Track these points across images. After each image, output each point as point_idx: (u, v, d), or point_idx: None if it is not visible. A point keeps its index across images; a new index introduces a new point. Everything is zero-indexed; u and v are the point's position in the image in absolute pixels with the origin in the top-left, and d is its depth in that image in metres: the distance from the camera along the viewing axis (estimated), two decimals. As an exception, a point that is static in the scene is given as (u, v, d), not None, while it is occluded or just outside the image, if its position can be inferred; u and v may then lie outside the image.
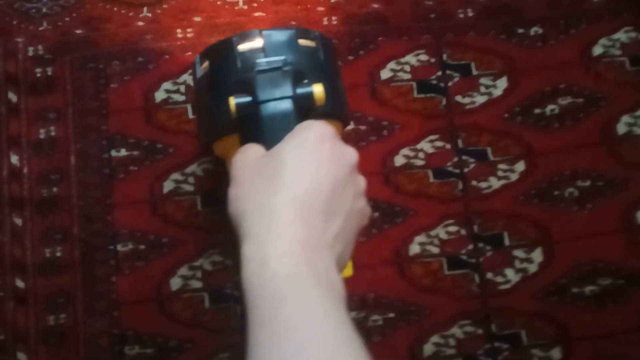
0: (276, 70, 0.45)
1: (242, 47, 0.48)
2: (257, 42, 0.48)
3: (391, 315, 0.59)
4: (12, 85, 0.63)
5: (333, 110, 0.49)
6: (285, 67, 0.46)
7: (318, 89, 0.45)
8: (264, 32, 0.48)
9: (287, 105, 0.43)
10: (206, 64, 0.50)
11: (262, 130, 0.43)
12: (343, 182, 0.39)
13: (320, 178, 0.37)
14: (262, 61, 0.46)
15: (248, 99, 0.44)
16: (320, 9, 0.67)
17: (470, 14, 0.67)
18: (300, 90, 0.44)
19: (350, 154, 0.41)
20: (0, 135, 0.61)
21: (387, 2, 0.67)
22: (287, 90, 0.44)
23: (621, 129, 0.64)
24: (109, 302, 0.58)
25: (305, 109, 0.44)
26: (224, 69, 0.48)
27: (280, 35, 0.49)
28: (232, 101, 0.44)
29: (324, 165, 0.38)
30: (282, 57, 0.47)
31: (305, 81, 0.45)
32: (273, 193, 0.36)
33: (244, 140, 0.47)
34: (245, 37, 0.48)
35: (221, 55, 0.48)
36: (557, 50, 0.67)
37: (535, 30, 0.67)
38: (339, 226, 0.37)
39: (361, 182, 0.42)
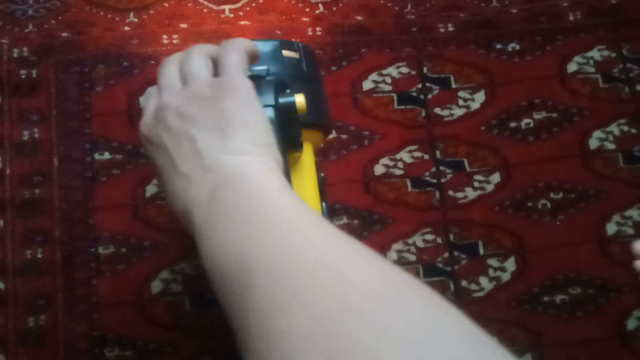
0: (259, 79, 0.46)
1: (226, 56, 0.49)
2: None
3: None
4: (-4, 87, 0.63)
5: (315, 120, 0.51)
6: (268, 76, 0.47)
7: (300, 99, 0.46)
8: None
9: (269, 113, 0.45)
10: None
11: None
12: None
13: None
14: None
15: None
16: (305, 19, 0.68)
17: (450, 28, 0.69)
18: (282, 100, 0.45)
19: None
20: (-18, 136, 0.61)
21: (370, 14, 0.69)
22: (269, 99, 0.45)
23: (593, 143, 0.66)
24: (90, 305, 0.58)
25: (287, 118, 0.45)
26: (209, 77, 0.49)
27: (264, 46, 0.50)
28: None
29: None
30: (264, 67, 0.48)
31: (288, 91, 0.47)
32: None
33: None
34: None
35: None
36: (533, 66, 0.69)
37: (512, 45, 0.69)
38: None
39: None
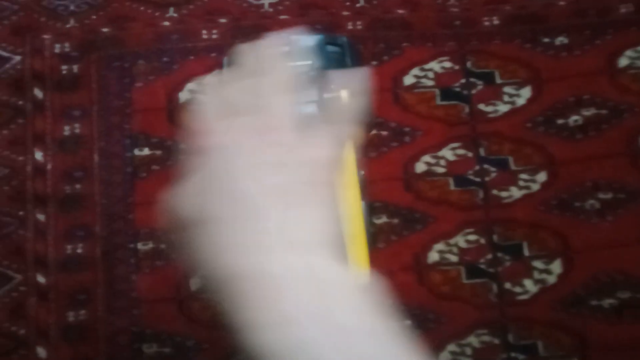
0: (303, 74, 0.46)
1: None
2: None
3: (408, 322, 0.59)
4: (39, 82, 0.64)
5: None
6: (312, 71, 0.46)
7: (344, 95, 0.45)
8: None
9: (312, 109, 0.44)
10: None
11: None
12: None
13: None
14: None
15: None
16: (345, 13, 0.67)
17: (495, 22, 0.67)
18: (327, 95, 0.45)
19: None
20: (25, 131, 0.63)
21: (412, 8, 0.67)
22: (313, 94, 0.44)
23: (644, 141, 0.64)
24: (129, 300, 0.59)
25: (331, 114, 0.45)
26: (251, 72, 0.48)
27: (307, 41, 0.49)
28: (259, 104, 0.45)
29: None
30: (308, 62, 0.48)
31: (332, 86, 0.46)
32: None
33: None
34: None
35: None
36: (582, 61, 0.66)
37: (560, 40, 0.67)
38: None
39: None
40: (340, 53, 0.50)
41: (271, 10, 0.67)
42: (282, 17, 0.67)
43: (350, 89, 0.45)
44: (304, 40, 0.49)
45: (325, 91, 0.45)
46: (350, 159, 0.50)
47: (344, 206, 0.43)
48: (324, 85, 0.45)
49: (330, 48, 0.50)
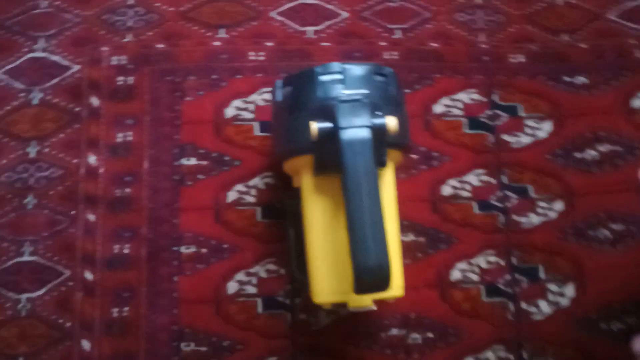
0: (356, 101, 0.50)
1: (324, 77, 0.53)
2: (337, 75, 0.53)
3: (430, 335, 0.63)
4: (95, 91, 0.67)
5: (400, 140, 0.54)
6: (365, 99, 0.50)
7: (392, 122, 0.49)
8: (345, 66, 0.53)
9: (365, 133, 0.48)
10: (288, 88, 0.55)
11: (340, 153, 0.47)
12: None
13: None
14: (344, 92, 0.51)
15: (329, 125, 0.49)
16: (383, 43, 0.71)
17: (521, 59, 0.72)
18: (376, 121, 0.49)
19: None
20: (80, 136, 0.66)
21: (445, 42, 0.72)
22: (365, 120, 0.48)
23: (656, 178, 0.68)
24: (170, 300, 0.62)
25: (378, 138, 0.49)
26: (305, 95, 0.53)
27: (358, 70, 0.53)
28: (314, 125, 0.49)
29: None
30: (362, 90, 0.52)
31: (379, 113, 0.50)
32: None
33: (319, 160, 0.52)
34: (327, 68, 0.53)
35: (304, 82, 0.53)
36: (600, 99, 0.71)
37: (581, 79, 0.71)
38: None
39: None
40: (385, 82, 0.55)
41: (314, 37, 0.71)
42: (323, 44, 0.71)
43: (394, 116, 0.49)
44: (356, 69, 0.53)
45: (373, 117, 0.49)
46: (391, 179, 0.54)
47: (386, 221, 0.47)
48: (372, 111, 0.50)
49: (378, 77, 0.54)
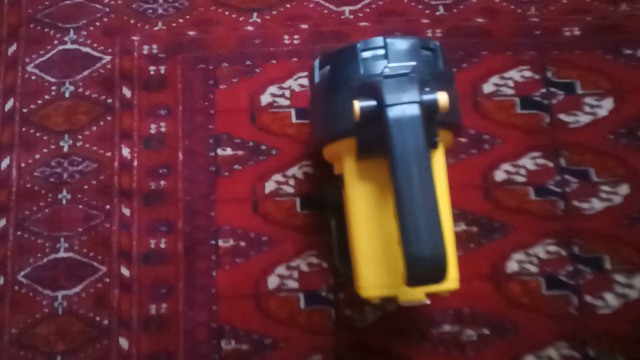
0: (403, 76, 0.46)
1: (366, 54, 0.49)
2: (380, 50, 0.49)
3: (486, 331, 0.58)
4: (127, 81, 0.65)
5: (451, 119, 0.50)
6: (412, 73, 0.46)
7: (443, 97, 0.45)
8: (387, 40, 0.49)
9: (414, 109, 0.44)
10: (327, 68, 0.51)
11: (387, 133, 0.43)
12: None
13: None
14: (389, 67, 0.47)
15: (373, 103, 0.45)
16: (425, 21, 0.67)
17: (576, 32, 0.66)
18: (426, 97, 0.45)
19: None
20: (113, 128, 0.64)
21: (491, 17, 0.67)
22: (414, 95, 0.44)
23: None
24: (209, 296, 0.59)
25: (428, 116, 0.45)
26: (346, 74, 0.49)
27: (402, 44, 0.49)
28: (357, 105, 0.45)
29: None
30: (409, 63, 0.48)
31: (427, 89, 0.46)
32: None
33: (362, 143, 0.48)
34: (368, 44, 0.49)
35: (344, 60, 0.49)
36: (666, 73, 0.65)
37: (645, 51, 0.66)
38: None
39: None
40: (432, 57, 0.51)
41: (351, 17, 0.67)
42: (361, 24, 0.67)
43: (445, 92, 0.45)
44: (400, 43, 0.49)
45: (423, 92, 0.45)
46: (441, 162, 0.50)
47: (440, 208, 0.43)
48: (421, 87, 0.45)
49: (424, 52, 0.50)
